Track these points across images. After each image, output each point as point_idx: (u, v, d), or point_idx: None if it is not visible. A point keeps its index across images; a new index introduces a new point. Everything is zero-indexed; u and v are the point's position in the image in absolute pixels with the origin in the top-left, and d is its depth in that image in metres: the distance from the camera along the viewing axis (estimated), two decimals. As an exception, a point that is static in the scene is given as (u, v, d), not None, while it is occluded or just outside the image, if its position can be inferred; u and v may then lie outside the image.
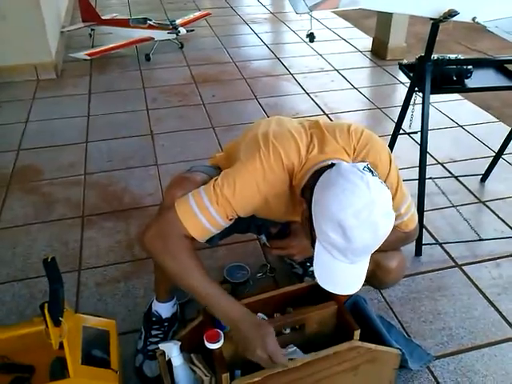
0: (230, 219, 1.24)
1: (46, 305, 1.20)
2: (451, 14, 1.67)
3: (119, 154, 2.77)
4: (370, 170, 1.07)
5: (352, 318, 1.33)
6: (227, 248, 2.03)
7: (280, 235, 1.44)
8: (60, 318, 1.21)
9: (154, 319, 1.60)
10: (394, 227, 1.34)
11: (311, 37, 1.77)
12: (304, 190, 1.19)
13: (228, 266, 1.91)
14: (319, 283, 1.13)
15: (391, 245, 1.38)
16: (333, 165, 1.12)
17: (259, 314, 1.38)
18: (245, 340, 1.17)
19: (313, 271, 1.48)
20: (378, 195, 1.04)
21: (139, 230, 1.23)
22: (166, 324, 1.61)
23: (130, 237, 2.13)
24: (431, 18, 1.78)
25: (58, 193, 2.44)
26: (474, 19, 1.72)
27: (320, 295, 1.39)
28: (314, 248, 1.12)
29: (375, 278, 1.48)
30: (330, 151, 1.22)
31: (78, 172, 2.61)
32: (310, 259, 1.48)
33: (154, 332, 1.59)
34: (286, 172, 1.22)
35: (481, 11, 1.71)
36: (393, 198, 1.26)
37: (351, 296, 1.48)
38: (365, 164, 1.09)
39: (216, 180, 1.22)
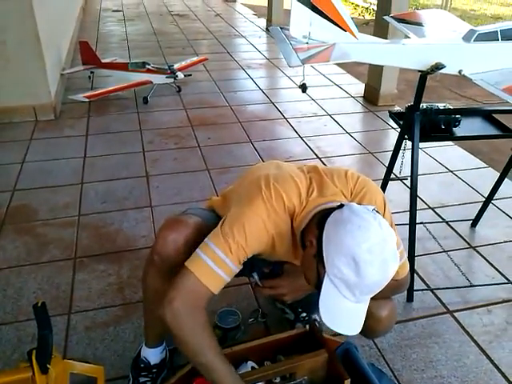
0: (242, 264, 1.25)
1: (34, 352, 1.19)
2: (438, 66, 1.74)
3: (114, 195, 2.80)
4: (378, 212, 1.14)
5: (342, 368, 1.32)
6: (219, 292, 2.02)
7: (272, 275, 1.44)
8: (48, 366, 1.20)
9: (142, 366, 1.58)
10: None
11: (303, 87, 1.83)
12: (304, 232, 1.22)
13: (219, 311, 1.89)
14: (323, 321, 1.12)
15: (382, 293, 1.39)
16: (341, 206, 1.16)
17: (249, 361, 1.37)
18: None
19: (304, 317, 1.49)
20: (388, 234, 1.10)
21: (164, 302, 1.19)
22: (154, 371, 1.59)
23: (122, 280, 2.13)
24: (419, 70, 1.85)
25: (51, 234, 2.44)
26: (460, 72, 1.79)
27: (311, 342, 1.38)
28: (318, 287, 1.13)
29: (366, 327, 1.47)
30: (329, 194, 1.26)
31: (72, 213, 2.62)
32: (303, 304, 1.48)
33: (142, 379, 1.57)
34: (287, 214, 1.25)
35: (466, 65, 1.78)
36: None
37: (342, 343, 1.47)
38: (373, 207, 1.15)
39: (222, 228, 1.22)
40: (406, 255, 1.41)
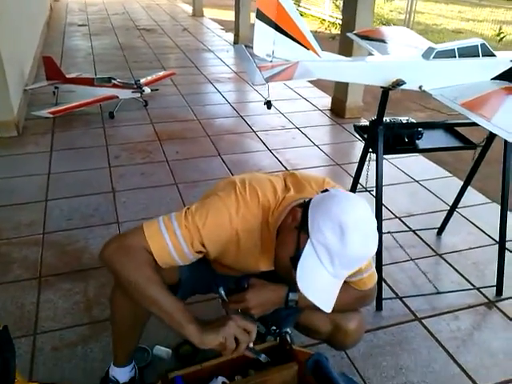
0: (197, 252, 1.23)
1: (-4, 376, 1.15)
2: (399, 83, 1.79)
3: (79, 212, 2.74)
4: None
5: (313, 379, 1.32)
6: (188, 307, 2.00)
7: (238, 290, 1.42)
8: (10, 390, 1.15)
9: (110, 385, 1.55)
10: (351, 286, 1.37)
11: (268, 104, 1.85)
12: (281, 227, 1.22)
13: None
14: (299, 287, 1.11)
15: (349, 305, 1.41)
16: (326, 190, 1.19)
17: (219, 377, 1.35)
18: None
19: (275, 329, 1.48)
20: (372, 217, 1.12)
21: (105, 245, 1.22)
22: (123, 390, 1.55)
23: (88, 298, 2.08)
24: (381, 86, 1.90)
25: (14, 253, 2.37)
26: (420, 88, 1.84)
27: (282, 355, 1.38)
28: (294, 262, 1.11)
29: (334, 339, 1.49)
30: (306, 194, 1.27)
31: (36, 231, 2.55)
32: (272, 318, 1.48)
33: (111, 399, 1.53)
34: (260, 208, 1.25)
35: (426, 81, 1.84)
36: None
37: (313, 355, 1.47)
38: None
39: (189, 208, 1.25)
40: (373, 267, 1.42)
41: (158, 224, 1.22)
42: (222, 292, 1.28)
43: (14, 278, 2.20)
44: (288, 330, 1.48)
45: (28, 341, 1.85)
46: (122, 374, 1.56)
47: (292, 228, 1.16)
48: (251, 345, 1.25)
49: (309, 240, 1.10)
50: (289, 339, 1.46)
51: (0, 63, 3.53)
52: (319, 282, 1.11)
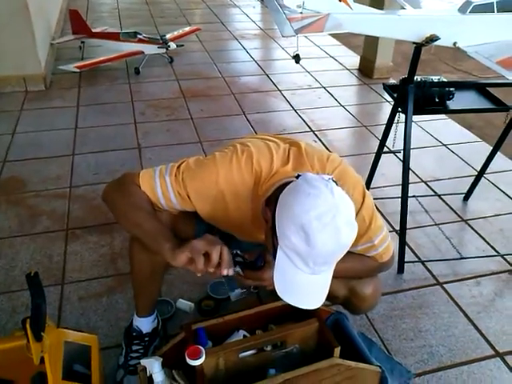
0: (184, 202, 1.27)
1: (28, 320, 1.19)
2: (432, 38, 1.72)
3: (106, 166, 2.78)
4: (335, 182, 1.08)
5: (332, 336, 1.34)
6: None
7: (253, 266, 1.35)
8: (42, 333, 1.20)
9: (134, 334, 1.60)
10: (368, 257, 1.35)
11: (297, 58, 1.81)
12: (268, 200, 1.18)
13: (212, 281, 1.91)
14: (279, 294, 1.10)
15: (367, 273, 1.41)
16: (298, 176, 1.12)
17: (241, 330, 1.39)
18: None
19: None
20: (341, 202, 1.05)
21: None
22: (146, 339, 1.61)
23: (114, 251, 2.13)
24: (414, 42, 1.83)
25: (42, 205, 2.43)
26: (454, 44, 1.77)
27: (302, 313, 1.40)
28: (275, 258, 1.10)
29: (350, 304, 1.50)
30: (303, 171, 1.21)
31: (63, 185, 2.60)
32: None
33: (134, 347, 1.59)
34: (252, 176, 1.23)
35: (461, 37, 1.76)
36: (366, 230, 1.28)
37: (333, 313, 1.49)
38: (330, 176, 1.11)
39: (185, 161, 1.28)
40: (389, 239, 1.38)
41: (153, 169, 1.29)
42: (238, 269, 1.26)
43: (43, 230, 2.26)
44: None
45: (56, 290, 1.92)
46: (144, 324, 1.61)
47: (269, 230, 1.14)
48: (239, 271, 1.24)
49: (279, 247, 1.08)
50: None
51: (27, 16, 3.52)
52: (300, 284, 1.08)
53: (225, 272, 1.17)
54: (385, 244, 1.35)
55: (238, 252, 1.27)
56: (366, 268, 1.39)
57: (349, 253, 1.34)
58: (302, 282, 1.08)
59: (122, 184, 1.30)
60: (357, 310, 1.57)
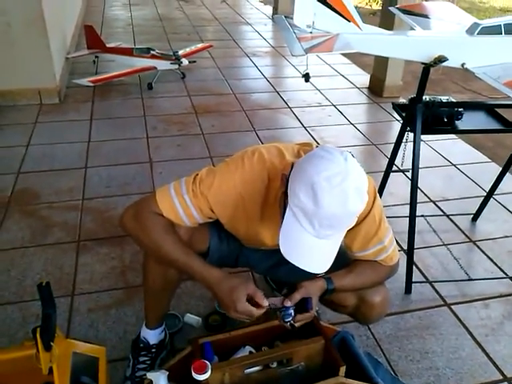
0: (207, 216, 1.30)
1: (39, 329, 1.21)
2: (441, 59, 1.75)
3: (118, 180, 2.82)
4: (352, 155, 1.12)
5: (338, 355, 1.35)
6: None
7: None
8: (51, 343, 1.22)
9: (141, 345, 1.62)
10: (380, 263, 1.37)
11: (306, 77, 1.83)
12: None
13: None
14: (282, 253, 1.13)
15: (378, 281, 1.42)
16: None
17: (247, 346, 1.39)
18: (221, 303, 1.26)
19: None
20: (353, 169, 1.07)
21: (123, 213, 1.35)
22: (153, 350, 1.62)
23: (124, 263, 2.16)
24: (422, 63, 1.86)
25: (55, 217, 2.47)
26: (462, 65, 1.79)
27: (308, 330, 1.41)
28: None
29: (360, 313, 1.50)
30: None
31: (76, 197, 2.64)
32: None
33: (141, 358, 1.60)
34: (266, 172, 1.26)
35: (469, 58, 1.79)
36: (377, 231, 1.31)
37: (339, 332, 1.50)
38: (349, 151, 1.14)
39: (198, 174, 1.30)
40: (394, 244, 1.39)
41: (168, 189, 1.30)
42: (290, 319, 1.28)
43: (55, 241, 2.29)
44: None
45: (66, 301, 1.94)
46: (152, 335, 1.63)
47: (282, 193, 1.18)
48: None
49: (288, 206, 1.11)
50: (316, 315, 1.49)
51: (44, 30, 3.60)
52: (305, 245, 1.11)
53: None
54: (393, 245, 1.38)
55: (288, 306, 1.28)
56: (379, 276, 1.41)
57: (363, 263, 1.37)
58: (307, 243, 1.11)
59: (140, 214, 1.30)
60: (366, 318, 1.56)
